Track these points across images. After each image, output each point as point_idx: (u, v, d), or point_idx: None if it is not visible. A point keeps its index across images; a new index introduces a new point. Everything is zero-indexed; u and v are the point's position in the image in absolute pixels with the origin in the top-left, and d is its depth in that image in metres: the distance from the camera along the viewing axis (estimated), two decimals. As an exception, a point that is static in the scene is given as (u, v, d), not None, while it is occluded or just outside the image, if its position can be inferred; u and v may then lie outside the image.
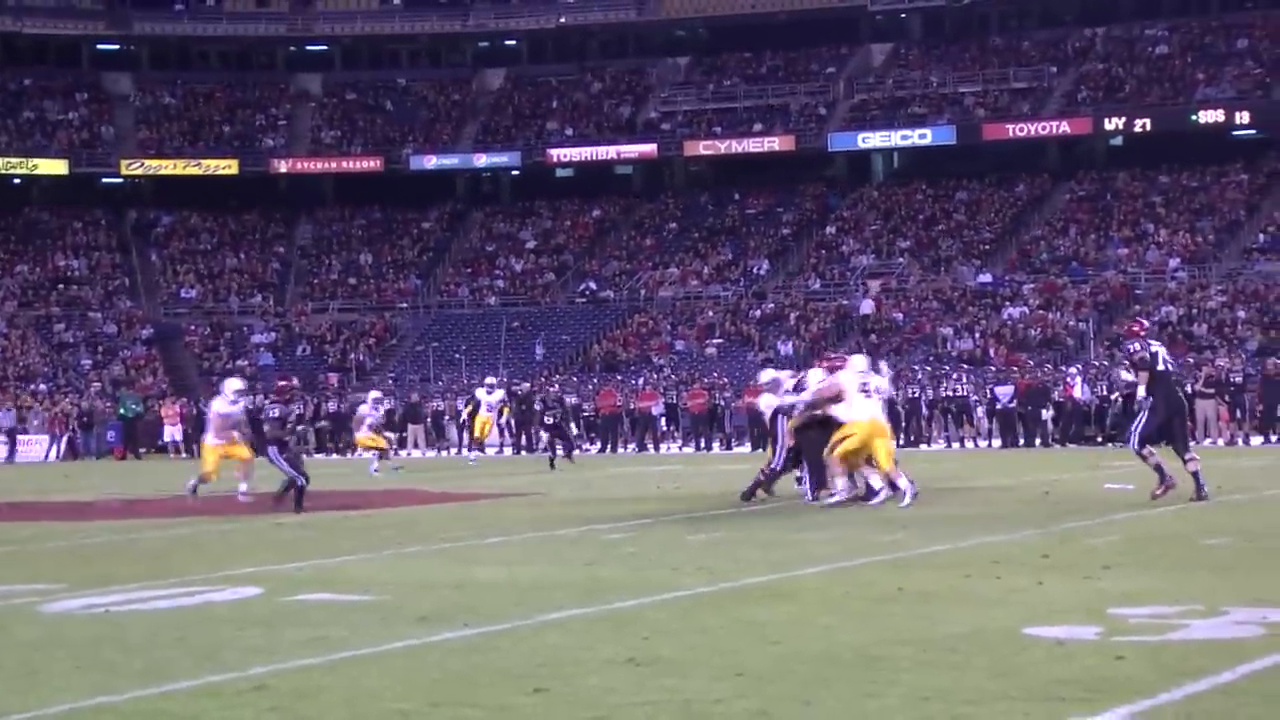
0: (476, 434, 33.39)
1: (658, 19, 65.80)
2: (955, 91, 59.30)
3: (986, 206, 56.74)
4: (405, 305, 58.56)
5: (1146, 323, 18.20)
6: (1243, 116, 53.63)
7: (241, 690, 6.81)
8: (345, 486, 23.02)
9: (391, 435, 33.10)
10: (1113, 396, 33.66)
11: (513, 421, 37.31)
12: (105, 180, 63.15)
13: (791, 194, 60.37)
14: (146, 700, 6.71)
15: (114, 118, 64.20)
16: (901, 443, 26.09)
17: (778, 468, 17.79)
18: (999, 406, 36.00)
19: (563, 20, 66.11)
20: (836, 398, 16.68)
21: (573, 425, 35.93)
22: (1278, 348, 40.79)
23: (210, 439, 20.20)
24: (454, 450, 41.22)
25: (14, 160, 61.09)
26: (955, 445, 36.57)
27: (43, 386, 50.42)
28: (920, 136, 57.74)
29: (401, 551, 13.18)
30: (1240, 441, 33.04)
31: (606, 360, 51.24)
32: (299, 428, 20.81)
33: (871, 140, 58.76)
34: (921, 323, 49.38)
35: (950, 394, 37.94)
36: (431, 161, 63.13)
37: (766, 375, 20.15)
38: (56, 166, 61.60)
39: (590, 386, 45.16)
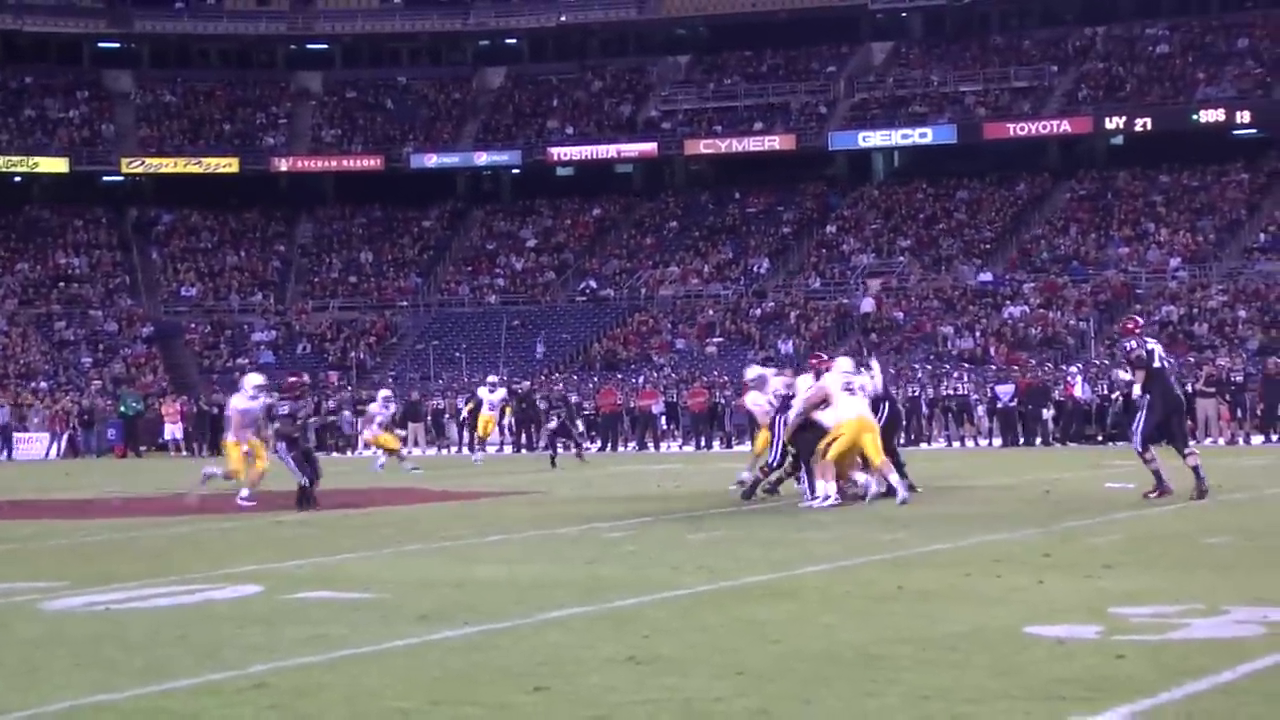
0: (480, 433, 33.33)
1: (658, 17, 65.80)
2: (956, 90, 59.30)
3: (987, 205, 56.74)
4: (406, 304, 58.55)
5: (1141, 320, 18.19)
6: (1243, 116, 53.65)
7: (242, 688, 6.80)
8: (346, 484, 22.98)
9: (403, 433, 33.17)
10: (1113, 396, 33.67)
11: (513, 420, 37.30)
12: (106, 178, 63.16)
13: (792, 193, 60.37)
14: (147, 698, 6.71)
15: (114, 116, 64.20)
16: (902, 442, 26.04)
17: (773, 463, 17.80)
18: (1000, 405, 36.00)
19: (563, 19, 66.10)
20: (824, 402, 16.77)
21: (579, 423, 35.87)
22: (1278, 347, 40.78)
23: (230, 436, 19.78)
24: (454, 449, 41.22)
25: (15, 158, 61.10)
26: (956, 444, 36.56)
27: (43, 384, 50.44)
28: (921, 135, 57.75)
29: (402, 550, 13.17)
30: (1241, 441, 33.04)
31: (607, 359, 51.23)
32: (310, 419, 20.49)
33: (872, 139, 58.75)
34: (922, 322, 49.38)
35: (951, 393, 37.94)
36: (432, 160, 63.13)
37: (752, 372, 20.15)
38: (57, 165, 61.61)
39: (590, 385, 45.15)
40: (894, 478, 16.49)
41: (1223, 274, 48.61)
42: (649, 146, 61.32)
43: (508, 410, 34.47)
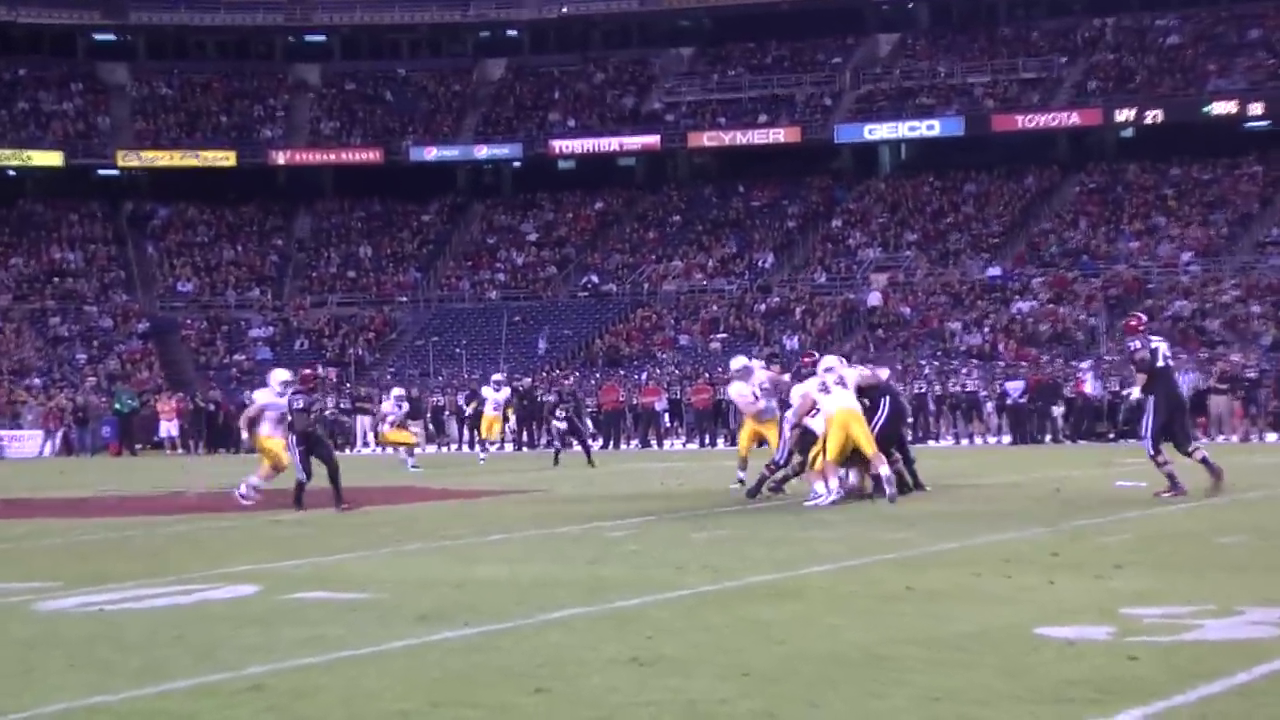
0: (484, 433, 33.18)
1: (661, 8, 65.75)
2: (963, 82, 59.27)
3: (995, 199, 56.71)
4: (405, 299, 58.57)
5: (1145, 317, 18.19)
6: (1256, 108, 53.59)
7: (238, 690, 6.80)
8: (348, 483, 22.94)
9: (418, 431, 33.22)
10: (1124, 392, 33.64)
11: (514, 417, 37.27)
12: (101, 172, 63.17)
13: (797, 186, 60.35)
14: (142, 700, 6.70)
15: (110, 108, 64.21)
16: (909, 439, 26.01)
17: (780, 461, 17.84)
18: (1009, 402, 35.99)
19: (565, 10, 66.07)
20: (812, 409, 16.91)
21: (588, 421, 35.83)
22: (1292, 342, 40.77)
23: (265, 429, 19.52)
24: (454, 446, 41.22)
25: (8, 152, 61.12)
26: (964, 442, 36.56)
27: (37, 381, 50.46)
28: (928, 128, 57.71)
29: (401, 549, 13.17)
30: (1254, 438, 33.03)
31: (609, 355, 51.24)
32: (326, 413, 20.15)
33: (878, 131, 58.74)
34: (929, 317, 49.36)
35: (959, 390, 37.93)
36: (432, 153, 63.13)
37: (737, 363, 20.15)
38: (51, 158, 61.62)
39: (593, 381, 45.16)
40: (884, 470, 16.55)
41: (1235, 268, 48.56)
42: (652, 139, 61.31)
43: (510, 411, 34.40)
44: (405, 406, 30.86)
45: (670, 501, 18.05)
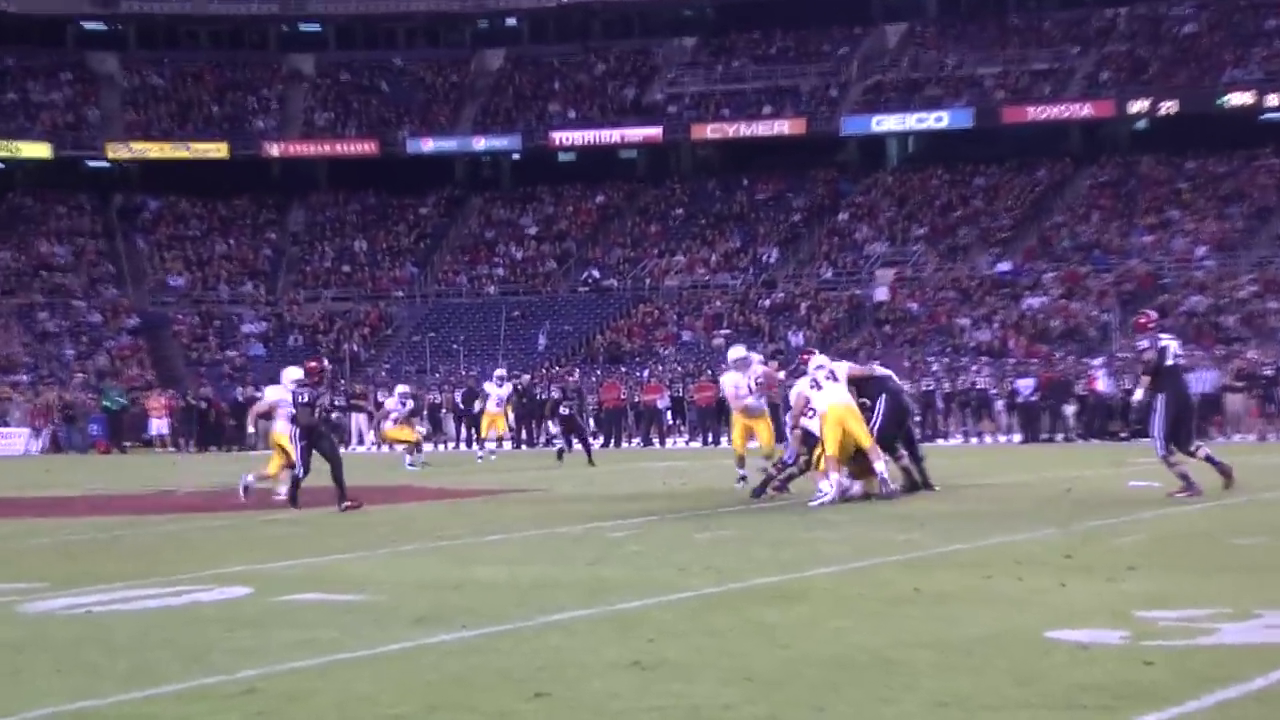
0: (484, 430, 33.08)
1: (664, -3, 65.83)
2: (973, 73, 59.25)
3: (1005, 192, 56.71)
4: (401, 294, 58.61)
5: (1155, 314, 18.19)
6: (1273, 99, 53.60)
7: (230, 694, 6.79)
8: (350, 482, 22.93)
9: (424, 429, 33.20)
10: (1130, 390, 33.63)
11: (512, 415, 37.24)
12: (90, 164, 63.23)
13: (802, 179, 60.36)
14: (131, 704, 6.70)
15: (100, 99, 64.24)
16: (918, 438, 25.99)
17: (790, 460, 17.87)
18: (1020, 400, 35.99)
19: (565, -2, 66.12)
20: (807, 408, 17.02)
21: (591, 420, 35.83)
22: (1309, 340, 40.76)
23: (279, 425, 19.47)
24: (451, 444, 41.23)
25: (-5, 143, 61.18)
26: (973, 440, 36.56)
27: (24, 378, 50.50)
28: (936, 119, 57.72)
29: (397, 549, 13.17)
30: (1271, 437, 33.02)
31: (610, 351, 51.26)
32: (332, 416, 19.99)
33: (886, 123, 58.74)
34: (938, 313, 49.38)
35: (968, 387, 37.93)
36: (429, 145, 63.15)
37: (736, 352, 20.11)
38: (40, 149, 61.66)
39: (594, 378, 45.17)
40: (879, 465, 16.59)
41: (1252, 263, 48.55)
42: (654, 131, 61.32)
43: (509, 408, 34.36)
44: (410, 404, 30.90)
45: (673, 501, 18.05)
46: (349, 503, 17.43)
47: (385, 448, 35.83)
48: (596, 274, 57.18)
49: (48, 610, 9.72)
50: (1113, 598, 8.93)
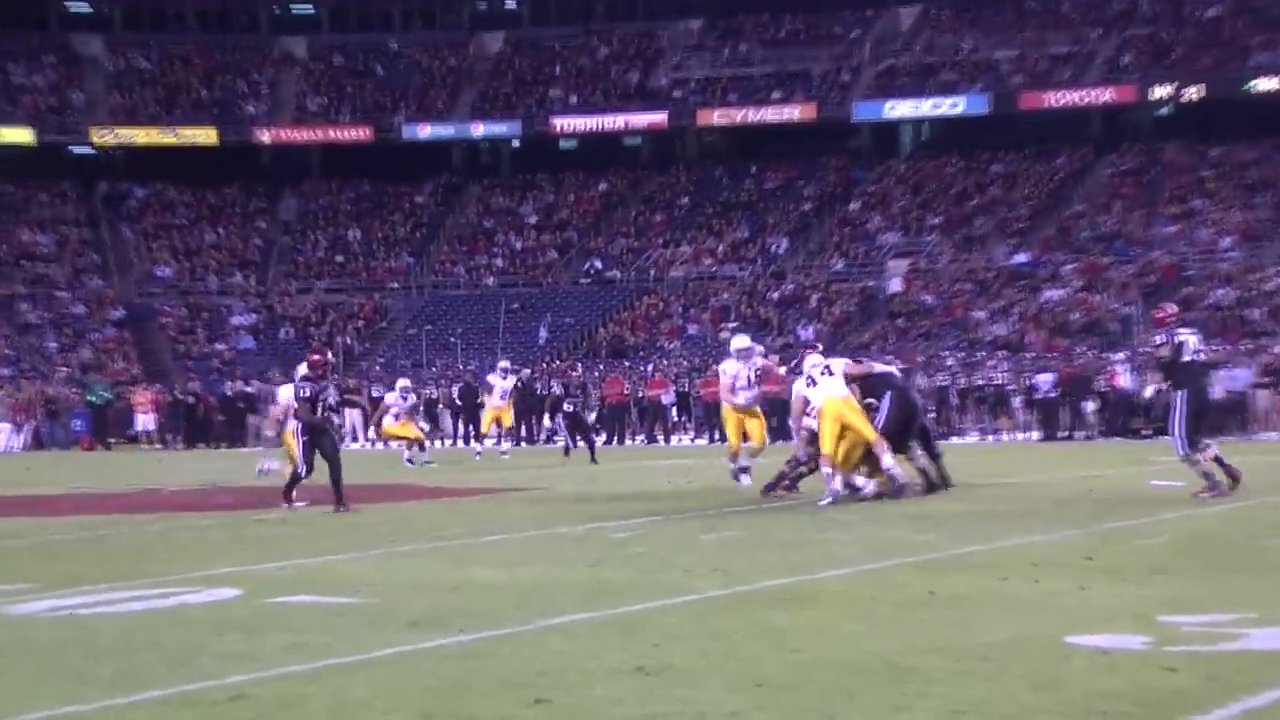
0: (484, 426, 33.03)
1: (669, -23, 65.81)
2: (989, 57, 59.24)
3: (1023, 181, 56.71)
4: (396, 285, 58.65)
5: (1175, 308, 18.15)
6: (1301, 84, 53.58)
7: (219, 700, 6.80)
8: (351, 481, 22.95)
9: (426, 426, 33.19)
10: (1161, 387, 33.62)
11: (512, 410, 37.24)
12: (74, 150, 63.30)
13: (813, 167, 60.38)
14: (116, 710, 6.70)
15: (84, 82, 64.28)
16: (934, 434, 26.02)
17: (803, 458, 17.91)
18: (1038, 396, 35.99)
19: (567, -21, 66.14)
20: (806, 407, 17.12)
21: (592, 416, 35.81)
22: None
23: (291, 423, 19.48)
24: (449, 441, 41.26)
25: (-24, 128, 61.25)
26: (990, 438, 36.57)
27: (5, 371, 50.55)
28: (952, 105, 57.72)
29: (392, 550, 13.18)
30: (1297, 435, 33.01)
31: (613, 345, 51.29)
32: (334, 415, 19.91)
33: (899, 109, 58.74)
34: (953, 306, 49.39)
35: (985, 383, 37.93)
36: (425, 131, 63.18)
37: (740, 341, 20.05)
38: (22, 135, 61.71)
39: (596, 373, 45.19)
40: (887, 458, 16.65)
41: (1279, 254, 48.53)
42: (659, 117, 61.34)
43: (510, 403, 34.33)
44: (410, 399, 30.90)
45: (678, 500, 18.06)
46: (345, 508, 17.38)
47: (382, 444, 35.82)
48: (599, 265, 57.21)
49: (30, 613, 9.73)
50: (1134, 601, 8.93)
